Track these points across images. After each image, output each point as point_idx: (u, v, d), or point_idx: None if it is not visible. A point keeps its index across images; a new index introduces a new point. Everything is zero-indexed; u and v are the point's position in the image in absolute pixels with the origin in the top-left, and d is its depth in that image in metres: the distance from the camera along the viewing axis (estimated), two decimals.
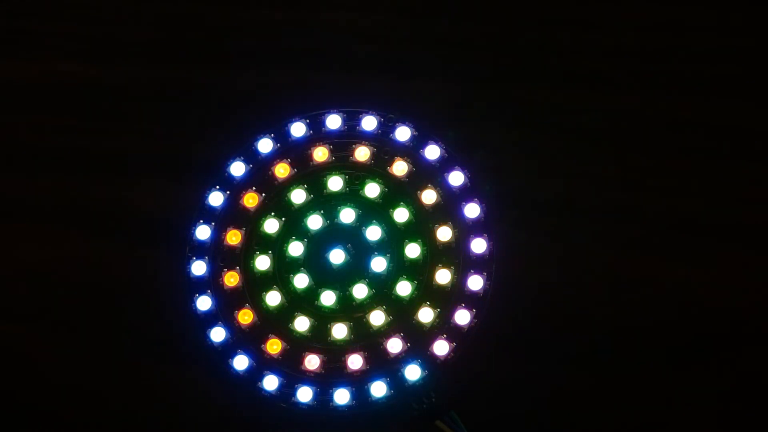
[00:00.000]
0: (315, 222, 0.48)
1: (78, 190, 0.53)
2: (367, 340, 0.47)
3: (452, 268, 0.47)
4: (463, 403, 0.46)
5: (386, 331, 0.47)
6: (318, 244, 0.48)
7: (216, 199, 0.49)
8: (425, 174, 0.48)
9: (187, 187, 0.50)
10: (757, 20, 0.55)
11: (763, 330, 0.49)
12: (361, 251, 0.48)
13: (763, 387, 0.48)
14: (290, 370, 0.47)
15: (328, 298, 0.47)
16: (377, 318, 0.47)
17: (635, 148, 0.52)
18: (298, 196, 0.49)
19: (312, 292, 0.47)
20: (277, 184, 0.49)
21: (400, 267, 0.47)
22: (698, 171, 0.52)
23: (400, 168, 0.48)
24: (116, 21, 0.58)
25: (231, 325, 0.47)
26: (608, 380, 0.48)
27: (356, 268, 0.47)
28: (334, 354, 0.47)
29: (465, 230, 0.48)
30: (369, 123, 0.49)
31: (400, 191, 0.48)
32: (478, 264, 0.47)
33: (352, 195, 0.49)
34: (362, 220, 0.48)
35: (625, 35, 0.55)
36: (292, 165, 0.49)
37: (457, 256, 0.47)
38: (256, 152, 0.49)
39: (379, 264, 0.47)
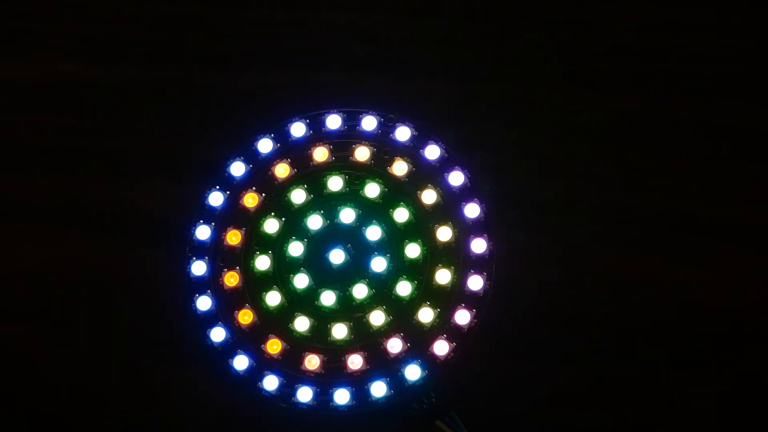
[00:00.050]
0: (315, 222, 0.48)
1: (78, 190, 0.53)
2: (367, 340, 0.47)
3: (452, 268, 0.47)
4: (463, 403, 0.46)
5: (386, 331, 0.47)
6: (318, 244, 0.48)
7: (216, 199, 0.49)
8: (425, 174, 0.48)
9: (187, 187, 0.50)
10: (757, 20, 0.55)
11: (763, 330, 0.49)
12: (361, 251, 0.48)
13: (763, 387, 0.48)
14: (290, 370, 0.47)
15: (328, 298, 0.47)
16: (377, 318, 0.47)
17: (635, 148, 0.52)
18: (298, 196, 0.49)
19: (312, 292, 0.47)
20: (277, 184, 0.49)
21: (400, 267, 0.47)
22: (698, 171, 0.52)
23: (400, 168, 0.48)
24: (116, 21, 0.58)
25: (231, 325, 0.47)
26: (608, 380, 0.48)
27: (356, 268, 0.47)
28: (334, 354, 0.47)
29: (465, 230, 0.48)
30: (369, 123, 0.49)
31: (400, 191, 0.48)
32: (478, 264, 0.47)
33: (352, 195, 0.49)
34: (362, 220, 0.48)
35: (625, 35, 0.55)
36: (292, 165, 0.49)
37: (457, 256, 0.47)
38: (256, 152, 0.49)
39: (379, 264, 0.47)
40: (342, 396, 0.46)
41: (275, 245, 0.48)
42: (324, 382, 0.46)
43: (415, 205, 0.48)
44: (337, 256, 0.47)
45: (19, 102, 0.56)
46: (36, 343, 0.51)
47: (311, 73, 0.55)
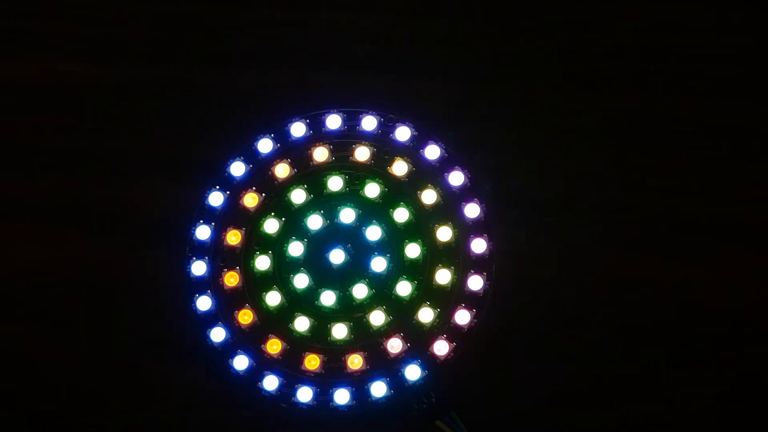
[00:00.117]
0: (315, 222, 0.48)
1: (78, 190, 0.53)
2: (367, 340, 0.47)
3: (452, 268, 0.47)
4: (463, 403, 0.46)
5: (386, 331, 0.47)
6: (318, 244, 0.48)
7: (216, 199, 0.49)
8: (425, 174, 0.48)
9: (187, 187, 0.50)
10: (757, 20, 0.55)
11: (763, 330, 0.49)
12: (361, 251, 0.48)
13: (763, 387, 0.48)
14: (290, 370, 0.47)
15: (328, 298, 0.47)
16: (377, 318, 0.47)
17: (635, 148, 0.52)
18: (298, 196, 0.49)
19: (312, 292, 0.47)
20: (277, 184, 0.49)
21: (400, 267, 0.47)
22: (698, 171, 0.52)
23: (400, 168, 0.48)
24: (116, 21, 0.58)
25: (231, 325, 0.47)
26: (608, 380, 0.48)
27: (356, 268, 0.47)
28: (334, 354, 0.47)
29: (465, 230, 0.48)
30: (369, 123, 0.49)
31: (400, 191, 0.48)
32: (478, 264, 0.47)
33: (352, 195, 0.49)
34: (362, 220, 0.48)
35: (625, 35, 0.55)
36: (292, 165, 0.49)
37: (457, 256, 0.47)
38: (256, 152, 0.49)
39: (379, 264, 0.47)
40: (342, 396, 0.46)
41: (275, 245, 0.48)
42: (324, 382, 0.46)
43: (415, 205, 0.48)
44: (337, 256, 0.47)
45: (19, 102, 0.56)
46: (36, 343, 0.51)
47: (311, 73, 0.55)
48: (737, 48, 0.54)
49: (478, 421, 0.46)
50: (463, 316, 0.46)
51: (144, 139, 0.54)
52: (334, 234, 0.48)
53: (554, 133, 0.53)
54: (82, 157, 0.54)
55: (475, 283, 0.47)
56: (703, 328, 0.49)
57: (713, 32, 0.55)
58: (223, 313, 0.47)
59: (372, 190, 0.48)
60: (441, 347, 0.46)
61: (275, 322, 0.47)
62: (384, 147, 0.49)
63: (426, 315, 0.47)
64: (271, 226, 0.48)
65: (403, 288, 0.47)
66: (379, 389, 0.46)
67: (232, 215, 0.49)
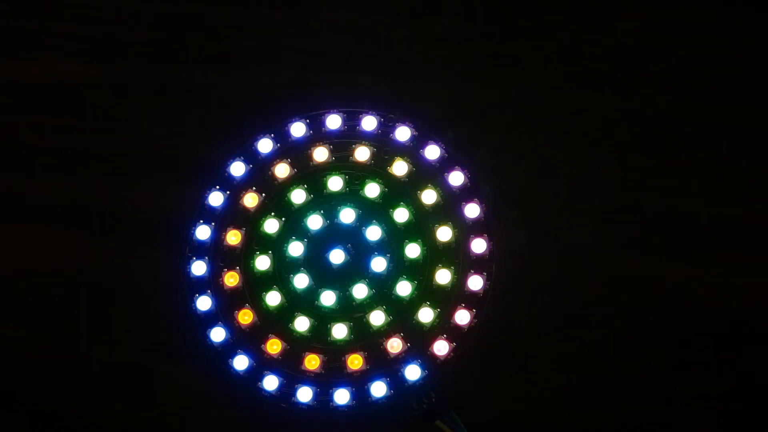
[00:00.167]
0: (315, 222, 0.48)
1: (78, 190, 0.53)
2: (367, 340, 0.47)
3: (452, 268, 0.47)
4: (463, 403, 0.46)
5: (386, 331, 0.47)
6: (318, 244, 0.48)
7: (216, 199, 0.49)
8: (425, 174, 0.48)
9: (187, 187, 0.50)
10: (757, 20, 0.55)
11: (763, 330, 0.49)
12: (361, 251, 0.48)
13: (763, 387, 0.48)
14: (290, 370, 0.47)
15: (328, 298, 0.47)
16: (377, 318, 0.47)
17: (635, 148, 0.52)
18: (298, 196, 0.49)
19: (312, 292, 0.47)
20: (277, 184, 0.49)
21: (400, 267, 0.47)
22: (698, 171, 0.52)
23: (400, 168, 0.48)
24: (116, 21, 0.58)
25: (231, 325, 0.47)
26: (608, 380, 0.48)
27: (356, 268, 0.47)
28: (334, 354, 0.47)
29: (465, 230, 0.48)
30: (369, 123, 0.49)
31: (400, 191, 0.48)
32: (478, 264, 0.47)
33: (352, 195, 0.49)
34: (362, 220, 0.48)
35: (625, 35, 0.55)
36: (292, 165, 0.49)
37: (457, 256, 0.47)
38: (256, 152, 0.49)
39: (379, 264, 0.47)
40: (342, 396, 0.46)
41: (275, 245, 0.48)
42: (324, 382, 0.46)
43: (415, 205, 0.48)
44: (337, 256, 0.47)
45: (19, 102, 0.56)
46: (36, 343, 0.51)
47: (311, 73, 0.55)
48: (737, 48, 0.54)
49: (478, 421, 0.46)
50: (463, 316, 0.46)
51: (144, 139, 0.54)
52: (334, 234, 0.48)
53: (554, 133, 0.53)
54: (82, 157, 0.54)
55: (475, 283, 0.47)
56: (703, 328, 0.49)
57: (713, 32, 0.55)
58: (223, 313, 0.47)
59: (372, 190, 0.48)
60: (441, 347, 0.46)
61: (275, 322, 0.47)
62: (384, 147, 0.49)
63: (426, 315, 0.47)
64: (271, 226, 0.48)
65: (403, 288, 0.47)
66: (379, 389, 0.46)
67: (232, 215, 0.49)
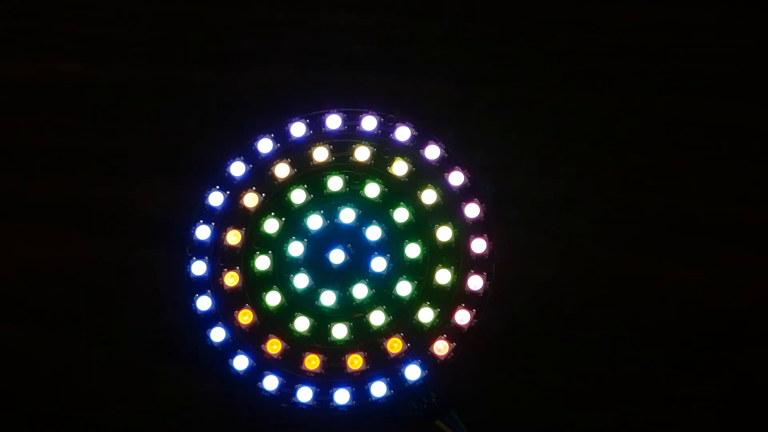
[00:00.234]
0: (315, 222, 0.48)
1: (78, 190, 0.53)
2: (367, 340, 0.47)
3: (452, 268, 0.47)
4: (463, 403, 0.46)
5: (386, 331, 0.47)
6: (318, 244, 0.48)
7: (216, 199, 0.49)
8: (425, 174, 0.48)
9: (187, 187, 0.50)
10: (757, 20, 0.55)
11: (763, 330, 0.49)
12: (361, 251, 0.48)
13: (763, 387, 0.48)
14: (290, 370, 0.47)
15: (328, 298, 0.47)
16: (377, 318, 0.47)
17: (635, 148, 0.52)
18: (298, 196, 0.49)
19: (312, 292, 0.47)
20: (277, 184, 0.49)
21: (400, 267, 0.47)
22: (698, 171, 0.52)
23: (400, 168, 0.48)
24: (116, 21, 0.58)
25: (231, 325, 0.47)
26: (608, 380, 0.48)
27: (356, 268, 0.47)
28: (334, 354, 0.47)
29: (465, 230, 0.48)
30: (369, 123, 0.49)
31: (400, 191, 0.48)
32: (478, 264, 0.47)
33: (352, 195, 0.49)
34: (362, 220, 0.48)
35: (625, 35, 0.55)
36: (292, 165, 0.49)
37: (457, 256, 0.47)
38: (256, 152, 0.49)
39: (379, 264, 0.47)
40: (342, 396, 0.46)
41: (275, 245, 0.48)
42: (324, 382, 0.46)
43: (415, 205, 0.48)
44: (337, 256, 0.47)
45: (19, 102, 0.56)
46: (36, 343, 0.51)
47: (311, 73, 0.55)
48: (737, 48, 0.54)
49: (478, 421, 0.46)
50: (463, 316, 0.46)
51: (144, 139, 0.54)
52: (334, 234, 0.48)
53: (554, 133, 0.53)
54: (82, 157, 0.54)
55: (475, 283, 0.47)
56: (703, 328, 0.49)
57: (713, 32, 0.55)
58: (223, 313, 0.47)
59: (372, 190, 0.48)
60: (441, 347, 0.46)
61: (275, 322, 0.47)
62: (384, 147, 0.49)
63: (426, 315, 0.47)
64: (271, 226, 0.48)
65: (403, 288, 0.47)
66: (379, 389, 0.46)
67: (232, 215, 0.49)
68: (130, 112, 0.55)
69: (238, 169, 0.49)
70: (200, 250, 0.48)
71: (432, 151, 0.48)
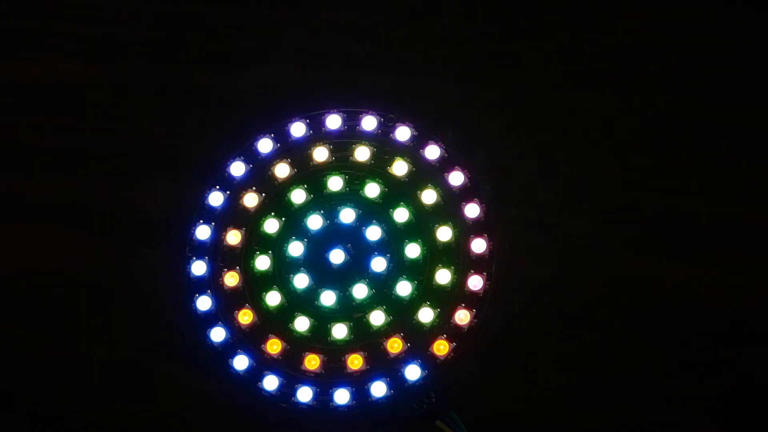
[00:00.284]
0: (315, 222, 0.48)
1: (78, 190, 0.53)
2: (367, 340, 0.47)
3: (452, 268, 0.47)
4: (463, 403, 0.46)
5: (386, 331, 0.47)
6: (318, 244, 0.48)
7: (216, 199, 0.49)
8: (425, 174, 0.48)
9: (187, 187, 0.50)
10: (757, 20, 0.55)
11: (763, 330, 0.49)
12: (361, 251, 0.48)
13: (763, 387, 0.48)
14: (290, 370, 0.47)
15: (328, 298, 0.47)
16: (377, 318, 0.47)
17: (635, 148, 0.52)
18: (298, 196, 0.49)
19: (312, 292, 0.47)
20: (277, 184, 0.49)
21: (400, 267, 0.47)
22: (698, 171, 0.52)
23: (400, 168, 0.48)
24: (116, 21, 0.58)
25: (231, 325, 0.47)
26: (608, 380, 0.48)
27: (356, 268, 0.47)
28: (334, 354, 0.47)
29: (465, 230, 0.48)
30: (369, 123, 0.49)
31: (400, 191, 0.48)
32: (478, 264, 0.47)
33: (352, 195, 0.49)
34: (362, 220, 0.48)
35: (625, 35, 0.55)
36: (292, 165, 0.49)
37: (457, 256, 0.47)
38: (256, 152, 0.49)
39: (379, 264, 0.47)
40: (342, 396, 0.46)
41: (275, 245, 0.48)
42: (324, 382, 0.46)
43: (415, 205, 0.48)
44: (337, 256, 0.47)
45: (19, 102, 0.56)
46: (36, 343, 0.51)
47: (311, 73, 0.55)
48: (737, 48, 0.54)
49: (477, 421, 0.46)
50: (463, 316, 0.46)
51: (144, 139, 0.54)
52: (334, 234, 0.48)
53: (554, 133, 0.53)
54: (82, 157, 0.54)
55: (475, 283, 0.47)
56: (703, 328, 0.49)
57: (713, 32, 0.55)
58: (223, 313, 0.47)
59: (372, 190, 0.48)
60: (441, 347, 0.46)
61: (275, 322, 0.47)
62: (384, 147, 0.49)
63: (426, 315, 0.47)
64: (271, 226, 0.48)
65: (403, 288, 0.47)
66: (379, 389, 0.46)
67: (232, 215, 0.49)
68: (130, 112, 0.55)
69: (238, 169, 0.49)
70: (200, 250, 0.48)
71: (432, 151, 0.48)
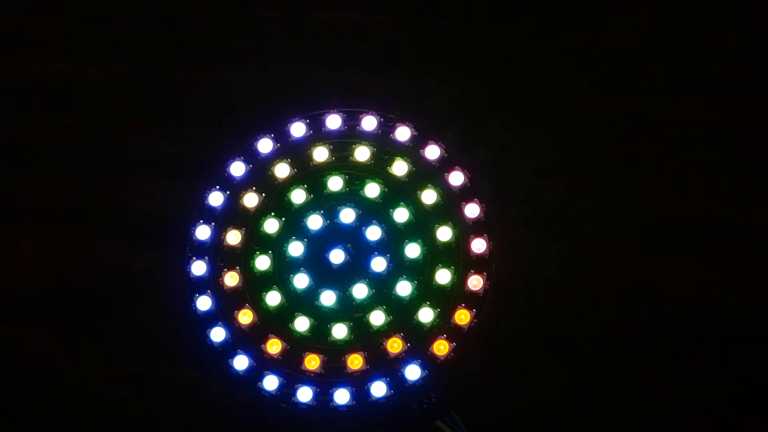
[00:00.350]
0: (315, 222, 0.48)
1: (78, 190, 0.53)
2: (367, 340, 0.47)
3: (452, 268, 0.47)
4: (463, 403, 0.46)
5: (386, 331, 0.47)
6: (318, 244, 0.48)
7: (216, 199, 0.49)
8: (425, 174, 0.48)
9: (187, 187, 0.50)
10: (757, 20, 0.55)
11: (763, 330, 0.49)
12: (361, 251, 0.48)
13: (762, 387, 0.48)
14: (290, 370, 0.47)
15: (328, 298, 0.47)
16: (377, 318, 0.47)
17: (635, 148, 0.52)
18: (298, 196, 0.49)
19: (312, 292, 0.47)
20: (277, 184, 0.49)
21: (400, 267, 0.47)
22: (698, 171, 0.52)
23: (400, 168, 0.48)
24: (116, 21, 0.58)
25: (231, 325, 0.47)
26: (608, 380, 0.48)
27: (356, 268, 0.47)
28: (334, 354, 0.47)
29: (465, 230, 0.48)
30: (369, 123, 0.49)
31: (400, 191, 0.48)
32: (478, 264, 0.47)
33: (352, 195, 0.48)
34: (362, 220, 0.48)
35: (625, 35, 0.55)
36: (292, 165, 0.49)
37: (457, 256, 0.47)
38: (256, 152, 0.49)
39: (379, 264, 0.47)
40: (342, 396, 0.46)
41: (275, 245, 0.48)
42: (324, 382, 0.46)
43: (415, 205, 0.48)
44: (337, 256, 0.47)
45: (19, 102, 0.56)
46: (36, 343, 0.51)
47: (311, 73, 0.55)
48: (737, 48, 0.54)
49: (478, 421, 0.46)
50: (463, 316, 0.46)
51: (144, 139, 0.54)
52: (334, 234, 0.48)
53: (554, 133, 0.53)
54: (82, 157, 0.54)
55: (475, 283, 0.47)
56: (703, 328, 0.49)
57: (713, 32, 0.55)
58: (223, 313, 0.47)
59: (372, 190, 0.48)
60: (441, 347, 0.46)
61: (275, 322, 0.47)
62: (384, 147, 0.49)
63: (426, 315, 0.47)
64: (271, 226, 0.48)
65: (403, 288, 0.47)
66: (379, 389, 0.46)
67: (232, 215, 0.49)
68: (130, 112, 0.55)
69: (238, 169, 0.49)
70: (200, 250, 0.48)
71: (432, 151, 0.48)
